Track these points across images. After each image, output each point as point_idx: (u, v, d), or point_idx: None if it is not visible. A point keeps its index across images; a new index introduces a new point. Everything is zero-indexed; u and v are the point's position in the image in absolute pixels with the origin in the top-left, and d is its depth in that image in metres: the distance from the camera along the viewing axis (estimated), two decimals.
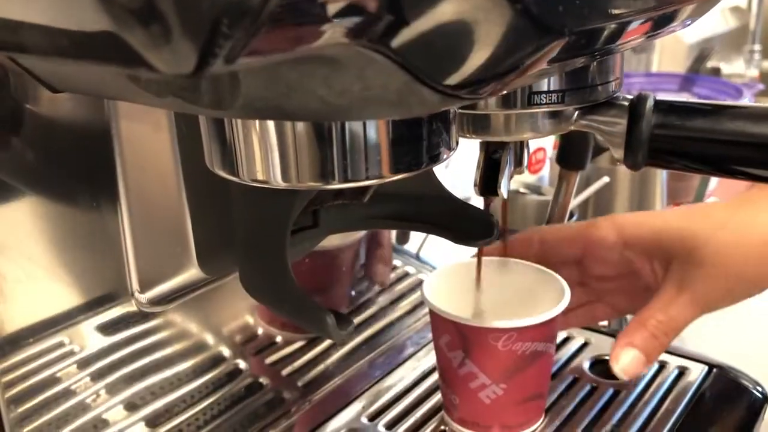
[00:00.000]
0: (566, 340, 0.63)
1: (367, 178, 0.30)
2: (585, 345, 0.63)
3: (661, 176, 0.85)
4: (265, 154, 0.29)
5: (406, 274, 0.71)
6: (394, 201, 0.40)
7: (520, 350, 0.48)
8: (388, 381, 0.59)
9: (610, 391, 0.56)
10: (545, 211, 0.79)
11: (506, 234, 0.51)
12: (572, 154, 0.59)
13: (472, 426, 0.52)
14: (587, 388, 0.57)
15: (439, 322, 0.50)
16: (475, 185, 0.46)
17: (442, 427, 0.53)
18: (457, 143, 0.34)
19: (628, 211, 0.84)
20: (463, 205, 0.39)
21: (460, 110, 0.42)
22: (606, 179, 0.76)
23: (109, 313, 0.41)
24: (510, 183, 0.47)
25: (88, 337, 0.42)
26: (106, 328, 0.42)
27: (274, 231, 0.30)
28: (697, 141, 0.43)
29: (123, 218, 0.37)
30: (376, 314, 0.65)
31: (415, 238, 0.73)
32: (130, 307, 0.41)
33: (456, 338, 0.49)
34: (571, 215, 0.76)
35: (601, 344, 0.62)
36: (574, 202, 0.77)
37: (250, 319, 0.56)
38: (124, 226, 0.37)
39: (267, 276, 0.31)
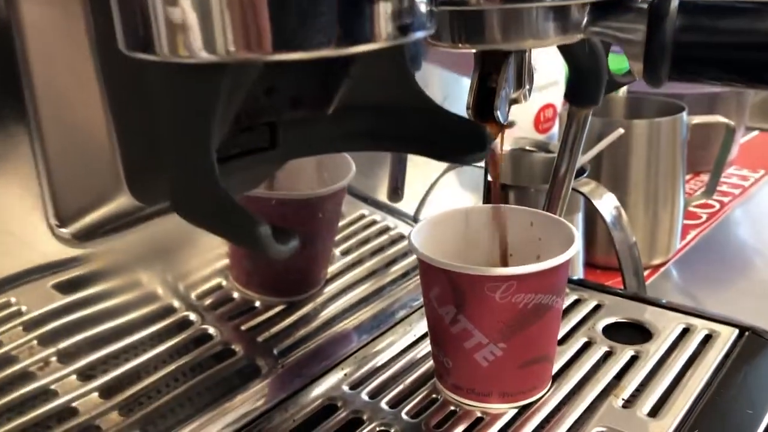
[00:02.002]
0: (577, 302, 0.57)
1: (315, 47, 0.23)
2: (598, 307, 0.56)
3: (680, 131, 0.78)
4: (184, 18, 0.23)
5: (401, 237, 0.64)
6: (366, 115, 0.33)
7: (522, 303, 0.42)
8: (377, 346, 0.53)
9: (628, 356, 0.49)
10: (548, 167, 0.72)
11: (497, 178, 0.44)
12: (583, 88, 0.52)
13: (468, 393, 0.45)
14: (601, 352, 0.50)
15: (429, 272, 0.44)
16: (467, 109, 0.39)
17: (434, 395, 0.46)
18: (434, 24, 0.27)
19: (643, 170, 0.77)
20: (448, 115, 0.33)
21: (449, 8, 0.36)
22: (621, 131, 0.69)
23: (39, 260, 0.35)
24: (509, 107, 0.40)
25: (30, 297, 0.35)
26: (55, 287, 0.36)
27: (198, 122, 0.24)
28: (731, 46, 0.36)
29: (32, 134, 0.31)
30: (366, 277, 0.58)
31: (411, 197, 0.66)
32: (56, 248, 0.35)
33: (447, 290, 0.43)
34: (582, 171, 0.69)
35: (616, 306, 0.56)
36: (585, 156, 0.70)
37: (222, 282, 0.50)
38: (34, 144, 0.31)
39: (191, 180, 0.24)
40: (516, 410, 0.45)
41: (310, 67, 0.32)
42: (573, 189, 0.65)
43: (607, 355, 0.50)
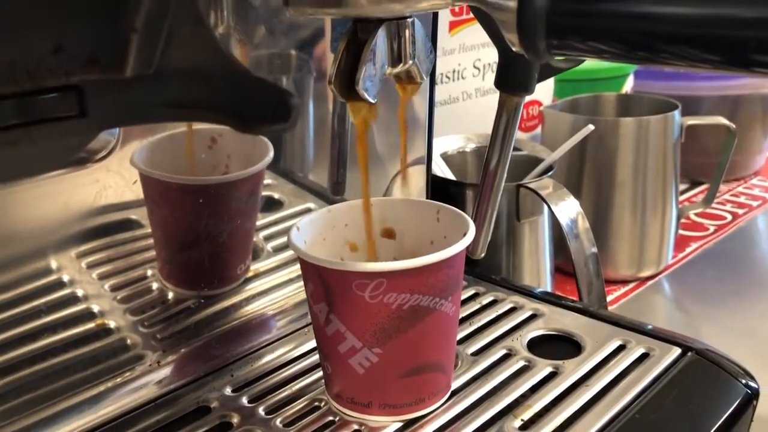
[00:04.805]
0: (512, 311, 0.51)
1: None
2: (533, 317, 0.50)
3: (671, 131, 0.71)
4: None
5: None
6: (176, 82, 0.30)
7: (395, 304, 0.37)
8: (278, 349, 0.49)
9: (545, 372, 0.44)
10: (521, 167, 0.67)
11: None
12: (513, 73, 0.47)
13: (348, 403, 0.40)
14: (517, 366, 0.45)
15: (303, 267, 0.40)
16: (329, 83, 0.35)
17: (318, 404, 0.42)
18: None
19: (631, 172, 0.71)
20: (256, 82, 0.29)
21: None
22: (591, 127, 0.63)
23: None
24: (380, 83, 0.36)
25: None
26: None
27: None
28: (621, 16, 0.31)
29: None
30: (297, 277, 0.54)
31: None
32: None
33: (319, 286, 0.38)
34: (549, 169, 0.64)
35: (553, 317, 0.50)
36: (554, 155, 0.64)
37: (147, 272, 0.47)
38: None
39: None
40: (400, 424, 0.40)
41: (97, 22, 0.29)
42: (530, 189, 0.60)
43: (523, 370, 0.44)
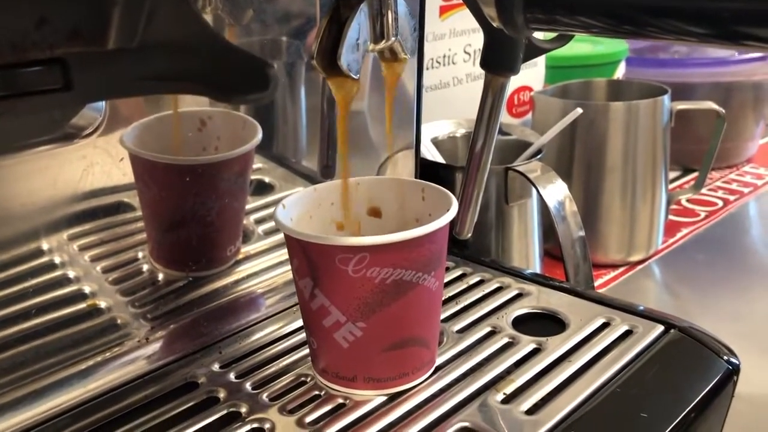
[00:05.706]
0: (498, 290, 0.52)
1: None
2: (519, 296, 0.51)
3: (661, 116, 0.71)
4: None
5: None
6: (159, 54, 0.30)
7: (378, 278, 0.38)
8: (269, 326, 0.49)
9: (529, 348, 0.45)
10: (510, 151, 0.67)
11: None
12: (498, 54, 0.47)
13: (333, 377, 0.41)
14: (502, 342, 0.45)
15: (288, 243, 0.40)
16: (312, 59, 0.36)
17: (304, 379, 0.43)
18: None
19: (620, 156, 0.71)
20: (236, 54, 0.29)
21: None
22: (579, 111, 0.63)
23: None
24: (362, 59, 0.36)
25: None
26: None
27: None
28: None
29: None
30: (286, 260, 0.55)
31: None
32: None
33: (303, 262, 0.39)
34: (539, 152, 0.64)
35: (538, 296, 0.51)
36: (542, 138, 0.65)
37: (138, 254, 0.47)
38: None
39: None
40: (385, 397, 0.41)
41: None
42: (519, 172, 0.61)
43: (507, 346, 0.45)
